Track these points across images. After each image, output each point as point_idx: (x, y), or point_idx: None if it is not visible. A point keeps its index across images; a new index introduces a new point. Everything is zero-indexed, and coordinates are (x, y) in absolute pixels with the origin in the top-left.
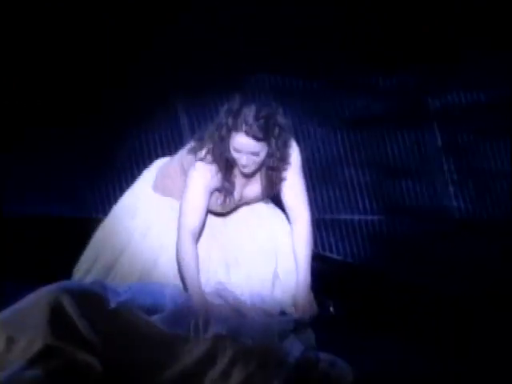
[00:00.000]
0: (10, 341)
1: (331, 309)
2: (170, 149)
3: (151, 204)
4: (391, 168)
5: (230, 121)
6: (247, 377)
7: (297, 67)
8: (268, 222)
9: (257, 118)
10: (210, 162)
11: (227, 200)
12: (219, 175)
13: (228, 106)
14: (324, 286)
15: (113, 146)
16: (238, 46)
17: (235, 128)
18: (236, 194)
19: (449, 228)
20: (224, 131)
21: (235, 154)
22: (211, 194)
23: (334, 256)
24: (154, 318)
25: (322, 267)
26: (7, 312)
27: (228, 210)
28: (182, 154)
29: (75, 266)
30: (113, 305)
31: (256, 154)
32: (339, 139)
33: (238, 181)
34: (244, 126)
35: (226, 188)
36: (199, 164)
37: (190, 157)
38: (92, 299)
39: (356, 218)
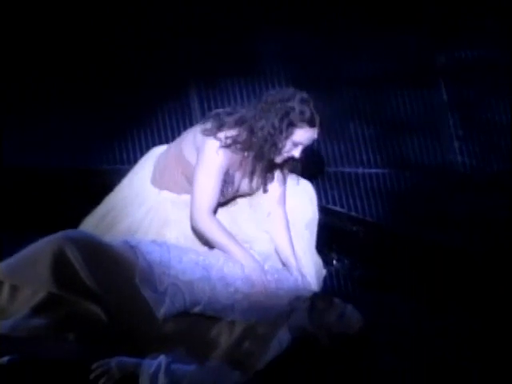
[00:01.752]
0: (14, 289)
1: (335, 262)
2: (179, 132)
3: (151, 199)
4: (396, 122)
5: (294, 116)
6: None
7: (304, 28)
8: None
9: (315, 107)
10: (231, 149)
11: (227, 191)
12: (233, 165)
13: (279, 99)
14: (327, 238)
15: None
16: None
17: (309, 121)
18: (235, 187)
19: (453, 182)
20: (285, 130)
21: (291, 147)
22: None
23: (338, 209)
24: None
25: (325, 220)
26: (11, 261)
27: (225, 200)
28: (180, 147)
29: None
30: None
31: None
32: (344, 94)
33: (240, 173)
34: (313, 118)
35: (230, 178)
36: (220, 147)
37: (204, 139)
38: (96, 248)
39: (360, 171)
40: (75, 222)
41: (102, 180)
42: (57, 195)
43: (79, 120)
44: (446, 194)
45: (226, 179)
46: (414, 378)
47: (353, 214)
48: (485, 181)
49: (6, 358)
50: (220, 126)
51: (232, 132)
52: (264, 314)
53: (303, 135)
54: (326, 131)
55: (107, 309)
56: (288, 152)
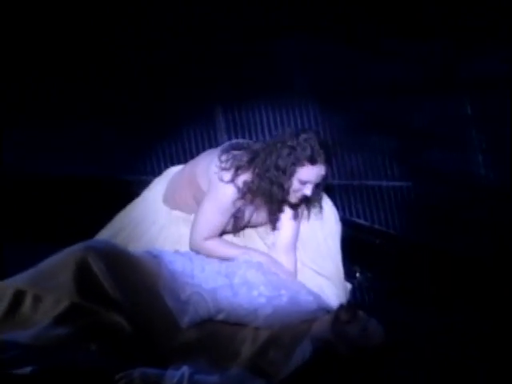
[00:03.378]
0: (37, 299)
1: (358, 275)
2: (203, 145)
3: (163, 218)
4: (420, 135)
5: (297, 154)
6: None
7: (328, 38)
8: None
9: (323, 145)
10: (239, 186)
11: (238, 223)
12: (241, 201)
13: (281, 140)
14: (351, 252)
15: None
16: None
17: (312, 160)
18: (246, 219)
19: (476, 195)
20: (291, 166)
21: (299, 186)
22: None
23: (362, 222)
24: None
25: (349, 233)
26: (33, 271)
27: (235, 232)
28: (194, 171)
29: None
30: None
31: (319, 183)
32: (368, 106)
33: (252, 208)
34: (318, 156)
35: (241, 212)
36: (228, 185)
37: (219, 174)
38: (119, 258)
39: (384, 184)
40: (97, 230)
41: (126, 190)
42: (80, 204)
43: (106, 130)
44: (470, 206)
45: (236, 214)
46: None
47: (376, 226)
48: (508, 194)
49: (28, 368)
50: (235, 169)
51: (245, 177)
52: (287, 320)
53: (308, 173)
54: (350, 144)
55: (130, 318)
56: (297, 191)
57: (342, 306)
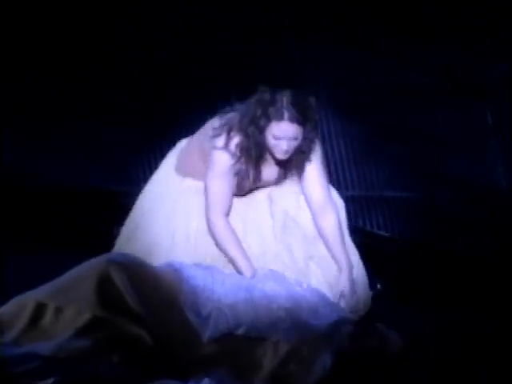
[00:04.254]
0: (58, 311)
1: (379, 286)
2: None
3: (175, 187)
4: (440, 146)
5: (268, 111)
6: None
7: (346, 39)
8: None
9: (295, 103)
10: (232, 150)
11: (244, 183)
12: (240, 161)
13: (259, 97)
14: (372, 263)
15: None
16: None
17: (275, 117)
18: (252, 178)
19: (497, 207)
20: (262, 122)
21: (274, 142)
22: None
23: (382, 233)
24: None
25: (369, 244)
26: (55, 283)
27: (244, 192)
28: (202, 138)
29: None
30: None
31: (296, 138)
32: (386, 114)
33: (256, 166)
34: (285, 112)
35: (243, 173)
36: (222, 152)
37: (212, 142)
38: (140, 271)
39: (404, 195)
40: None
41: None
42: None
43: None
44: (491, 217)
45: (240, 175)
46: None
47: (396, 237)
48: None
49: (50, 380)
50: (227, 133)
51: (237, 139)
52: (306, 333)
53: (279, 129)
54: (369, 154)
55: (151, 331)
56: (274, 147)
57: (360, 319)
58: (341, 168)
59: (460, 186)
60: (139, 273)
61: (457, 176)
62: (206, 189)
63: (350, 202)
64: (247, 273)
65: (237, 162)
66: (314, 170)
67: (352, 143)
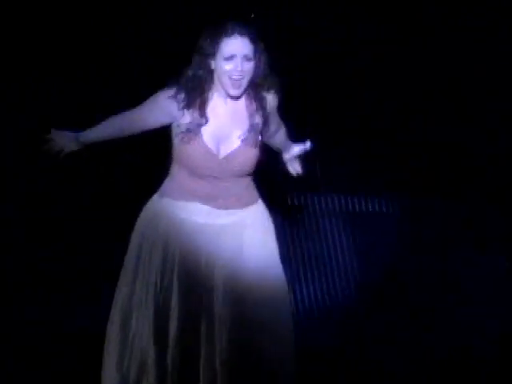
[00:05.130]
0: None
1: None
2: None
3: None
4: None
5: (216, 34)
6: None
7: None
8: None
9: (245, 25)
10: (174, 94)
11: (199, 145)
12: (189, 110)
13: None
14: None
15: None
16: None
17: (225, 35)
18: (216, 137)
19: None
20: (210, 46)
21: (226, 66)
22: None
23: None
24: None
25: None
26: None
27: (215, 164)
28: None
29: None
30: None
31: (249, 58)
32: None
33: (217, 119)
34: (235, 27)
35: (198, 123)
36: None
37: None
38: None
39: None
40: None
41: None
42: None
43: None
44: None
45: (189, 129)
46: None
47: None
48: None
49: None
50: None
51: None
52: None
53: (229, 46)
54: None
55: None
56: (228, 73)
57: None
58: None
59: None
60: None
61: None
62: None
63: None
64: (70, 136)
65: (182, 109)
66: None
67: None
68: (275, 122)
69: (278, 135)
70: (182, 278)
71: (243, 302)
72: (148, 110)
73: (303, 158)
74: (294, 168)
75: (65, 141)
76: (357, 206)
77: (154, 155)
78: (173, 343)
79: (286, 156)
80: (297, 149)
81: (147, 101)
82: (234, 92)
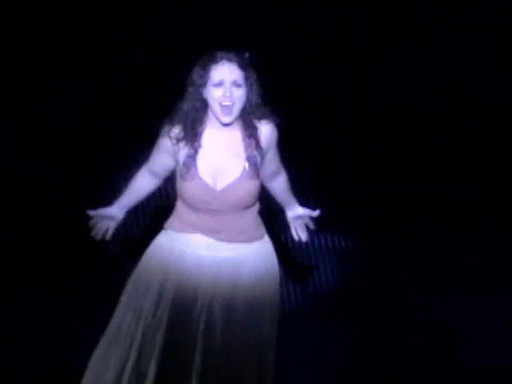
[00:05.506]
0: None
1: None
2: None
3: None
4: None
5: (205, 63)
6: None
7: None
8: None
9: (234, 53)
10: (172, 131)
11: (194, 177)
12: (188, 140)
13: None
14: None
15: None
16: None
17: (213, 61)
18: (213, 170)
19: None
20: (200, 77)
21: (216, 92)
22: (175, 155)
23: None
24: None
25: None
26: None
27: (211, 197)
28: None
29: None
30: None
31: (239, 84)
32: None
33: (212, 152)
34: (224, 54)
35: (192, 156)
36: (161, 135)
37: None
38: None
39: None
40: None
41: None
42: None
43: None
44: None
45: (185, 160)
46: None
47: None
48: None
49: None
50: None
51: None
52: None
53: (218, 72)
54: None
55: None
56: (217, 101)
57: None
58: None
59: None
60: None
61: None
62: None
63: None
64: (111, 210)
65: (177, 144)
66: (273, 159)
67: None
68: (273, 162)
69: (277, 181)
70: (175, 312)
71: (235, 339)
72: (157, 158)
73: (309, 224)
74: (298, 234)
75: (107, 220)
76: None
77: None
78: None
79: (290, 215)
80: (301, 211)
81: (153, 149)
82: (225, 119)
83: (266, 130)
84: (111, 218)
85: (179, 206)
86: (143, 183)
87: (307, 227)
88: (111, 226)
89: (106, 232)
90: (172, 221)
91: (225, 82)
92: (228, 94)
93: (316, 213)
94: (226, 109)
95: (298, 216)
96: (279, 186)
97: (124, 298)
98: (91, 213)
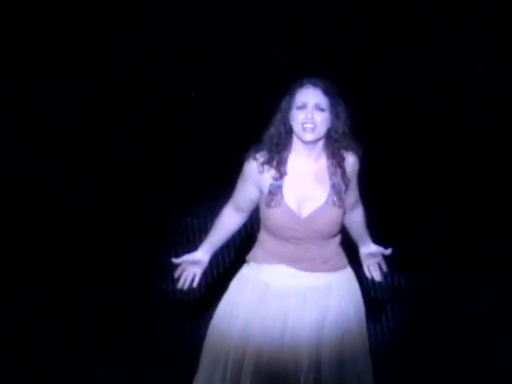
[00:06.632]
0: None
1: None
2: None
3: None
4: None
5: (295, 84)
6: None
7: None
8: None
9: (321, 79)
10: (258, 157)
11: (279, 204)
12: (272, 168)
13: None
14: None
15: None
16: None
17: (299, 86)
18: (298, 197)
19: None
20: (287, 102)
21: (299, 114)
22: (260, 185)
23: None
24: None
25: None
26: None
27: (296, 224)
28: None
29: None
30: None
31: (322, 109)
32: None
33: (297, 179)
34: (309, 80)
35: (278, 184)
36: (247, 159)
37: None
38: None
39: None
40: None
41: None
42: None
43: None
44: None
45: (270, 187)
46: None
47: None
48: None
49: None
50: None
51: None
52: None
53: (301, 95)
54: None
55: None
56: (300, 122)
57: None
58: None
59: None
60: None
61: None
62: None
63: None
64: (196, 254)
65: (262, 169)
66: (352, 190)
67: None
68: (353, 192)
69: (355, 214)
70: (260, 348)
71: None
72: (242, 191)
73: (382, 265)
74: (371, 272)
75: (194, 266)
76: None
77: None
78: None
79: (364, 252)
80: (374, 248)
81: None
82: (307, 136)
83: (352, 160)
84: (197, 263)
85: (262, 237)
86: (231, 221)
87: (380, 267)
88: (198, 272)
89: (192, 280)
90: (254, 253)
91: (308, 105)
92: (309, 116)
93: (388, 251)
94: (308, 129)
95: (371, 254)
96: (356, 219)
97: (210, 336)
98: (177, 261)
